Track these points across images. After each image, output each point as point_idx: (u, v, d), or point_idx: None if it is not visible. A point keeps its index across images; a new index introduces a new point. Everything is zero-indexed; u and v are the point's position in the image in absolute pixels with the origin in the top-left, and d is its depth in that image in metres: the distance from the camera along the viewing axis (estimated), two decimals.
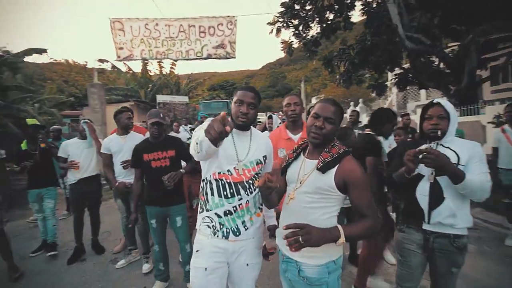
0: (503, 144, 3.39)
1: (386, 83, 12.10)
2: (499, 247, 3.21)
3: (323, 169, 1.17)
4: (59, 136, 4.99)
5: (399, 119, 4.50)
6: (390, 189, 2.09)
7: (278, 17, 10.08)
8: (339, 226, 1.09)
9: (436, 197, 1.45)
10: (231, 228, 1.42)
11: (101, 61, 13.95)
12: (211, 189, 1.45)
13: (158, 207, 2.39)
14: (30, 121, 3.30)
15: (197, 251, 1.45)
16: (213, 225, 1.43)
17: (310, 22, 10.40)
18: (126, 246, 3.19)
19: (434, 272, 1.55)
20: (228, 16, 4.41)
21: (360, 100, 15.96)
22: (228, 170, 1.42)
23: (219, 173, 1.42)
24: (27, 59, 10.30)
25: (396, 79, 10.58)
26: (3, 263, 2.83)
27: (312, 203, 1.19)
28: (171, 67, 14.50)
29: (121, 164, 2.89)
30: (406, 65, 10.55)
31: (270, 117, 4.06)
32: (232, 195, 1.42)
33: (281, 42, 11.01)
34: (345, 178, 1.14)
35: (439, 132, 1.44)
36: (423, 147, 1.49)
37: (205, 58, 4.51)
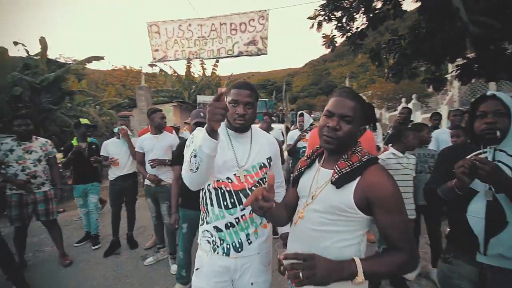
0: None
1: (445, 76, 10.63)
2: None
3: (339, 182, 0.90)
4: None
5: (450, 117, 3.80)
6: (431, 206, 1.62)
7: (319, 10, 9.59)
8: (357, 260, 0.81)
9: (496, 221, 1.07)
10: (232, 243, 1.26)
11: (151, 65, 15.08)
12: (211, 199, 1.30)
13: (193, 210, 2.24)
14: (83, 120, 3.60)
15: (197, 269, 1.33)
16: (213, 240, 1.28)
17: (355, 13, 9.69)
18: (156, 243, 3.26)
19: None
20: (260, 11, 4.25)
21: (414, 96, 14.35)
22: (228, 178, 1.27)
23: (217, 181, 1.27)
24: (90, 66, 11.61)
25: (458, 71, 9.19)
26: (49, 253, 3.11)
27: (324, 226, 0.93)
28: (213, 68, 14.94)
29: (148, 163, 2.94)
30: (471, 55, 9.09)
31: (301, 115, 3.78)
32: (234, 205, 1.26)
33: (323, 37, 10.47)
34: (368, 194, 0.86)
35: (497, 133, 1.09)
36: (482, 155, 1.12)
37: (236, 56, 4.43)
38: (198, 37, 4.41)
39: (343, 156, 0.94)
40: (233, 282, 1.30)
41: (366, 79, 41.70)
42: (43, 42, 10.52)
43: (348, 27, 10.76)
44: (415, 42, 9.16)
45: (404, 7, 8.78)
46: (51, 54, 17.24)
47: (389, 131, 4.03)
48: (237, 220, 1.25)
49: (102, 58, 10.85)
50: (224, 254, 1.25)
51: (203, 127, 2.10)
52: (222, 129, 1.37)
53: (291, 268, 0.78)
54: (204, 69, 15.09)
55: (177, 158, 2.38)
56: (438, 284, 1.35)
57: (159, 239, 3.15)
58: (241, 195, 1.26)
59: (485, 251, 1.09)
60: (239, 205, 1.25)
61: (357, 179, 0.89)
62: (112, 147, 3.45)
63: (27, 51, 11.89)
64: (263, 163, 1.33)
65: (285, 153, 4.00)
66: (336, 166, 0.93)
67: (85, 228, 3.66)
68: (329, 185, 0.93)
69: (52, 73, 9.90)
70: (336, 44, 10.90)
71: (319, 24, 10.77)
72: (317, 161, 1.08)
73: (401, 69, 10.44)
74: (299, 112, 3.84)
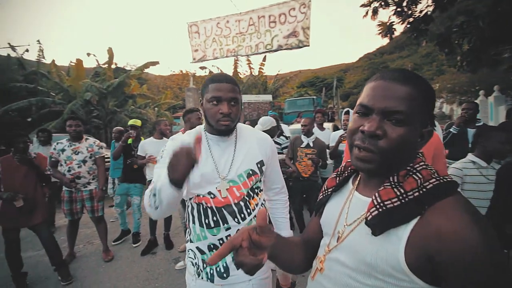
0: None
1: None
2: None
3: (378, 225, 0.54)
4: (119, 137, 4.51)
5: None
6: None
7: None
8: None
9: None
10: (216, 268, 1.07)
11: (202, 68, 15.84)
12: (192, 215, 1.12)
13: None
14: (131, 121, 3.76)
15: None
16: (195, 263, 1.12)
17: None
18: None
19: None
20: None
21: (495, 88, 11.92)
22: (209, 192, 1.07)
23: (198, 195, 1.09)
24: (153, 71, 12.75)
25: None
26: (97, 246, 3.29)
27: None
28: (259, 67, 14.90)
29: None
30: None
31: (347, 113, 3.28)
32: (216, 224, 1.05)
33: (378, 25, 9.44)
34: (433, 251, 0.49)
35: None
36: None
37: (275, 50, 4.13)
38: (236, 34, 4.26)
39: (391, 179, 0.57)
40: None
41: (432, 70, 36.84)
42: (110, 52, 11.84)
43: (410, 12, 9.47)
44: (496, 23, 7.55)
45: None
46: (120, 62, 19.43)
47: (450, 130, 3.18)
48: (220, 242, 1.06)
49: (157, 63, 11.73)
50: (208, 280, 1.08)
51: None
52: (198, 132, 1.17)
53: None
54: (251, 68, 15.15)
55: None
56: None
57: None
58: (225, 212, 1.06)
59: None
60: (223, 224, 1.06)
61: (414, 222, 0.52)
62: (149, 147, 3.47)
63: (97, 61, 13.57)
64: (251, 170, 1.11)
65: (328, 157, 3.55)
66: (376, 195, 0.57)
67: (121, 226, 3.78)
68: (362, 225, 0.58)
69: (116, 79, 11.05)
70: (394, 32, 9.70)
71: (375, 11, 9.70)
72: (351, 180, 0.72)
73: (478, 56, 8.75)
74: (345, 109, 3.34)
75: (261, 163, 1.14)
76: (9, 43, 12.34)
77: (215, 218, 1.06)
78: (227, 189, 1.07)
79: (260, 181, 1.17)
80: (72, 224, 3.20)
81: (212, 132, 1.12)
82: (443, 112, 19.40)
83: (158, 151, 3.47)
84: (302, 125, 3.28)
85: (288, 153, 3.35)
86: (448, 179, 0.55)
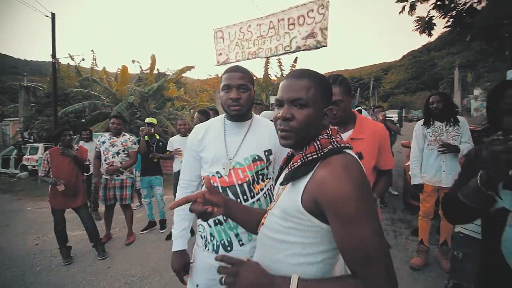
0: None
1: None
2: None
3: (287, 179, 0.72)
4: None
5: None
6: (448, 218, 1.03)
7: None
8: (295, 279, 0.64)
9: None
10: (221, 241, 1.18)
11: None
12: None
13: None
14: (148, 119, 4.18)
15: (191, 262, 1.29)
16: (204, 235, 1.23)
17: None
18: None
19: None
20: (319, 0, 3.90)
21: None
22: (218, 172, 1.19)
23: (208, 175, 1.20)
24: (191, 75, 13.64)
25: None
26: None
27: (278, 234, 0.75)
28: (290, 68, 14.88)
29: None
30: None
31: (359, 112, 3.22)
32: None
33: (416, 20, 8.88)
34: (316, 195, 0.65)
35: None
36: None
37: (294, 51, 4.21)
38: (257, 37, 4.44)
39: (303, 149, 0.74)
40: None
41: (487, 67, 33.04)
42: (152, 58, 12.89)
43: (452, 4, 8.78)
44: None
45: None
46: (161, 68, 20.97)
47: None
48: (224, 218, 1.17)
49: (192, 67, 12.48)
50: (214, 252, 1.18)
51: None
52: (219, 120, 1.30)
53: (220, 271, 0.72)
54: (282, 70, 15.21)
55: None
56: None
57: None
58: (228, 191, 1.16)
59: None
60: None
61: (308, 176, 0.68)
62: (176, 143, 3.86)
63: (141, 67, 14.83)
64: (257, 155, 1.19)
65: None
66: (292, 161, 0.75)
67: (149, 217, 4.10)
68: (287, 185, 0.75)
69: (156, 83, 12.01)
70: (434, 28, 9.03)
71: (412, 6, 9.16)
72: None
73: None
74: (357, 108, 3.30)
75: (269, 152, 1.21)
76: (69, 54, 14.17)
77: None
78: (230, 169, 1.16)
79: (267, 168, 1.22)
80: (108, 209, 3.67)
81: (228, 118, 1.25)
82: None
83: (183, 146, 3.79)
84: None
85: None
86: (342, 145, 0.69)
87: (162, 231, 3.96)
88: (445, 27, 9.43)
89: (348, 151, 0.70)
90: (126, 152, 3.56)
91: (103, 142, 3.51)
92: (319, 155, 0.68)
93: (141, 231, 4.00)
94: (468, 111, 24.61)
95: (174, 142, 3.90)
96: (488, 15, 9.31)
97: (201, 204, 0.80)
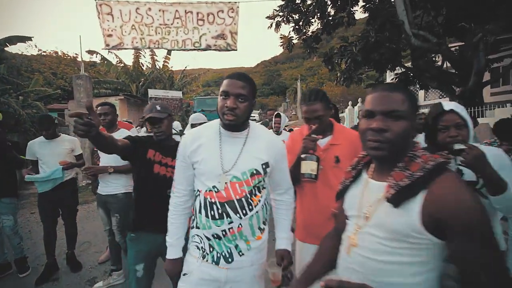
0: None
1: (386, 82, 11.88)
2: None
3: (396, 200, 0.72)
4: None
5: None
6: None
7: (278, 10, 9.70)
8: None
9: None
10: (221, 253, 1.15)
11: (91, 52, 13.26)
12: (200, 204, 1.18)
13: (152, 234, 1.61)
14: None
15: (184, 274, 1.22)
16: (202, 247, 1.18)
17: (311, 18, 10.04)
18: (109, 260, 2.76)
19: None
20: (230, 2, 3.93)
21: (360, 100, 15.71)
22: (214, 186, 1.14)
23: (205, 190, 1.16)
24: (13, 49, 9.66)
25: (397, 78, 10.35)
26: None
27: (385, 255, 0.74)
28: (164, 61, 13.90)
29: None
30: (408, 64, 10.32)
31: (278, 116, 3.61)
32: (220, 217, 1.12)
33: (280, 37, 10.64)
34: (438, 213, 0.67)
35: (461, 146, 1.17)
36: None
37: (204, 49, 4.06)
38: (160, 24, 3.90)
39: (399, 164, 0.75)
40: None
41: (314, 82, 44.24)
42: None
43: (305, 30, 11.17)
44: (364, 50, 10.00)
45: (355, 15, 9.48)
46: None
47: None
48: (224, 233, 1.13)
49: (29, 39, 9.11)
50: (214, 263, 1.15)
51: (157, 122, 1.65)
52: (213, 127, 1.22)
53: None
54: (155, 60, 13.95)
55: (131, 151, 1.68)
56: None
57: (113, 259, 2.64)
58: (227, 207, 1.12)
59: None
60: (226, 218, 1.12)
61: (423, 194, 0.70)
62: (41, 149, 2.69)
63: None
64: (255, 169, 1.15)
65: None
66: (390, 177, 0.75)
67: None
68: (384, 203, 0.75)
69: None
70: (294, 46, 11.14)
71: (277, 25, 10.92)
72: (364, 172, 0.89)
73: (351, 74, 11.25)
74: (275, 113, 3.64)
75: (266, 165, 1.18)
76: None
77: (219, 211, 1.12)
78: (226, 183, 1.12)
79: (264, 180, 1.20)
80: None
81: (223, 126, 1.16)
82: None
83: (53, 154, 2.75)
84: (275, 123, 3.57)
85: None
86: (441, 160, 0.73)
87: (23, 274, 2.75)
88: (299, 47, 11.85)
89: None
90: None
91: None
92: (429, 172, 0.70)
93: None
94: None
95: (38, 148, 2.69)
96: (325, 45, 12.51)
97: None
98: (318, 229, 1.40)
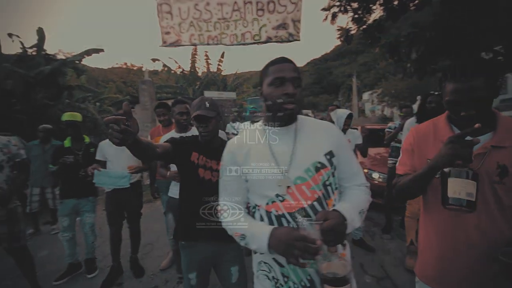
0: None
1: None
2: None
3: None
4: (46, 137, 3.92)
5: None
6: None
7: (334, 0, 9.00)
8: None
9: None
10: (300, 283, 0.94)
11: (154, 60, 14.42)
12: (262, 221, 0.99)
13: (199, 242, 1.50)
14: (67, 116, 2.89)
15: None
16: (273, 277, 0.98)
17: (372, 4, 9.06)
18: (174, 266, 2.68)
19: None
20: None
21: (418, 97, 13.75)
22: (277, 195, 0.95)
23: (267, 203, 0.97)
24: (90, 63, 10.99)
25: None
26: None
27: None
28: (218, 64, 14.26)
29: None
30: (498, 48, 8.52)
31: (350, 117, 3.01)
32: None
33: (337, 29, 9.88)
34: None
35: None
36: None
37: (264, 42, 3.79)
38: (218, 19, 3.76)
39: None
40: None
41: (370, 78, 41.11)
42: (40, 33, 9.85)
43: (365, 19, 10.08)
44: (439, 36, 8.46)
45: None
46: (49, 49, 16.50)
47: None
48: None
49: (101, 50, 10.16)
50: None
51: (205, 121, 1.48)
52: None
53: None
54: (209, 64, 14.42)
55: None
56: None
57: (178, 267, 2.51)
58: (298, 217, 0.91)
59: None
60: None
61: None
62: (111, 149, 2.68)
63: (22, 43, 11.20)
64: (319, 162, 0.96)
65: None
66: None
67: (68, 259, 2.79)
68: None
69: (48, 66, 9.22)
70: (353, 38, 10.21)
71: (334, 16, 10.07)
72: None
73: (423, 65, 9.72)
74: (348, 113, 3.10)
75: (330, 154, 0.98)
76: None
77: (290, 225, 0.92)
78: (289, 187, 0.93)
79: (333, 175, 1.00)
80: None
81: (270, 122, 1.02)
82: (385, 114, 21.63)
83: (121, 155, 2.68)
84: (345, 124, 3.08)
85: None
86: None
87: (92, 275, 2.80)
88: (359, 38, 10.84)
89: None
90: (11, 163, 2.22)
91: None
92: None
93: (55, 281, 2.68)
94: (363, 112, 29.81)
95: (107, 149, 2.71)
96: (390, 33, 11.22)
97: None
98: (457, 274, 0.99)
